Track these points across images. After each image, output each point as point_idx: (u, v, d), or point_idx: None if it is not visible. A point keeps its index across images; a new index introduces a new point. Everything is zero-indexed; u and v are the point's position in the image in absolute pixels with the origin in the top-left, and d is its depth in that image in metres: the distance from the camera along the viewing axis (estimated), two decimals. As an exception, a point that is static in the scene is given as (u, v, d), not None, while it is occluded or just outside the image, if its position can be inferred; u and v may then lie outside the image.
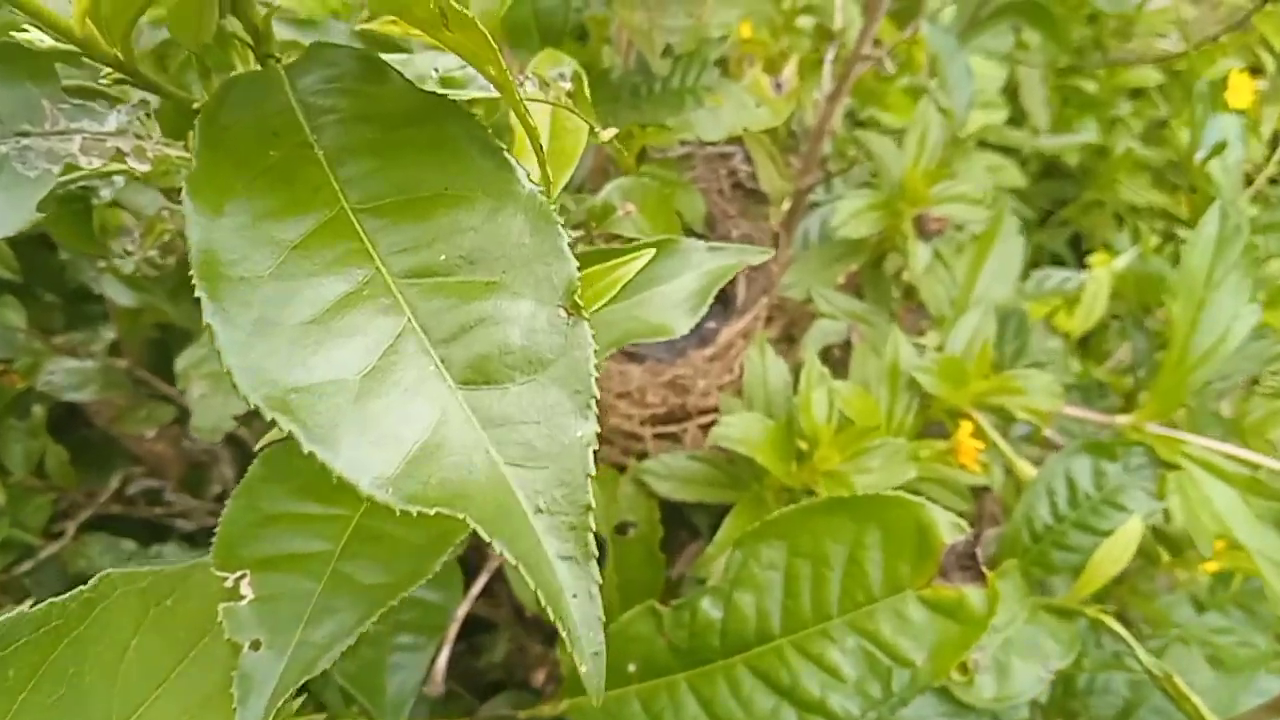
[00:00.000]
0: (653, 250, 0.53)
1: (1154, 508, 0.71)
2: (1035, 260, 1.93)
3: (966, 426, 0.75)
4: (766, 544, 0.58)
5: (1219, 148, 0.89)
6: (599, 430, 0.27)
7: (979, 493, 0.87)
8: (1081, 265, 1.91)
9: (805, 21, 1.06)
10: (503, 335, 0.27)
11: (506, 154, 0.30)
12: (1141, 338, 0.95)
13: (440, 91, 0.33)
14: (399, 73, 0.33)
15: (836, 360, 0.95)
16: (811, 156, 0.95)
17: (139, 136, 0.46)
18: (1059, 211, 1.94)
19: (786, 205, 1.01)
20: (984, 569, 0.52)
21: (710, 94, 0.83)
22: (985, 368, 0.81)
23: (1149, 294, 1.78)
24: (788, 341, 0.96)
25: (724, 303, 1.03)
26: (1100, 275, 1.41)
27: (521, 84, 0.45)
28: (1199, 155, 0.88)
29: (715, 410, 0.89)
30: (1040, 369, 0.93)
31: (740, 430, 0.71)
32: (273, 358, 0.27)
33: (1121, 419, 0.87)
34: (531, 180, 0.29)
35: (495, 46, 0.28)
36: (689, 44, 0.79)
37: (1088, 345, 1.41)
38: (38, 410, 0.97)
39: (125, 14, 0.33)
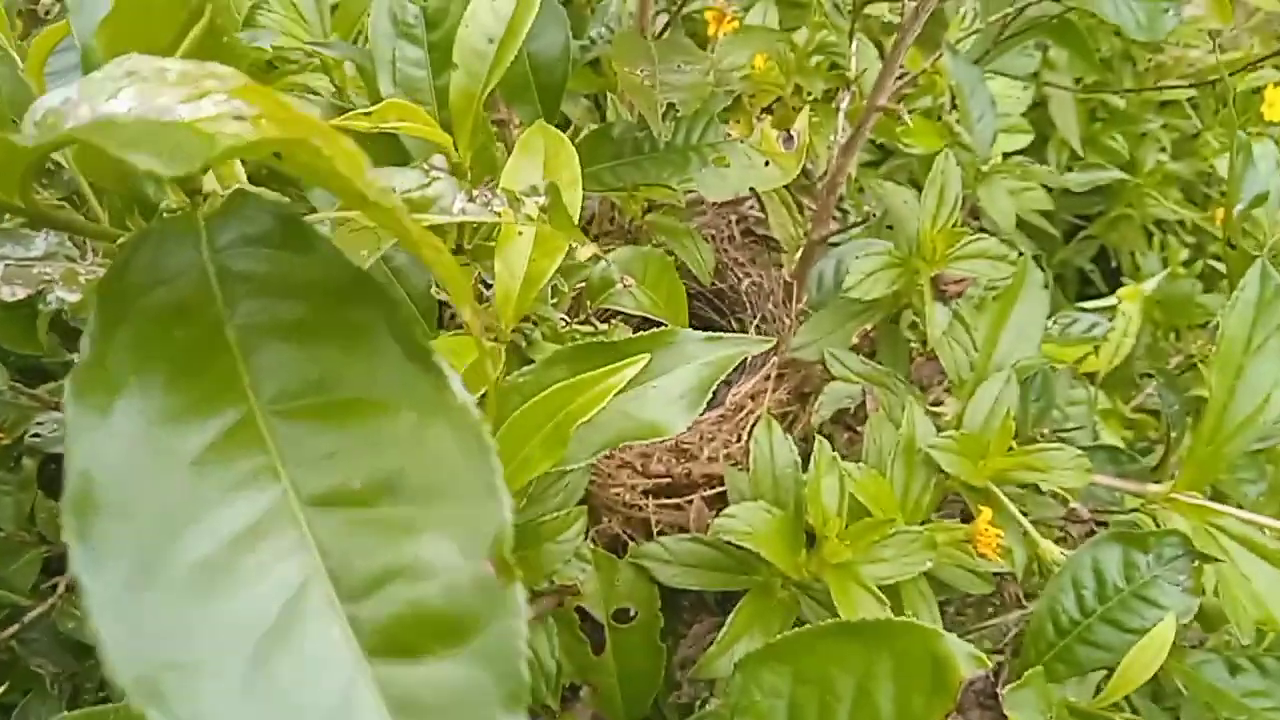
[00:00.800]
0: (646, 356, 0.48)
1: (1189, 604, 0.66)
2: (1060, 275, 1.87)
3: (985, 514, 0.71)
4: (769, 668, 0.53)
5: (1259, 200, 0.83)
6: None
7: (999, 574, 0.82)
8: (1109, 283, 1.86)
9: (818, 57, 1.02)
10: (422, 592, 0.23)
11: (436, 357, 0.25)
12: (1173, 397, 0.90)
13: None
14: (325, 239, 0.29)
15: (851, 418, 0.90)
16: (824, 208, 0.90)
17: (70, 259, 0.42)
18: (1086, 226, 1.88)
19: (799, 254, 0.96)
20: (1005, 713, 0.48)
21: (716, 152, 0.79)
22: (1007, 441, 0.76)
23: (1178, 316, 1.73)
24: (800, 401, 0.92)
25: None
26: (1129, 309, 1.36)
27: (488, 202, 0.40)
28: (1237, 209, 0.83)
29: (722, 479, 0.84)
30: (1066, 439, 0.88)
31: (745, 522, 0.66)
32: (151, 619, 0.22)
33: (1154, 488, 0.82)
34: (464, 392, 0.25)
35: (411, 227, 0.24)
36: (693, 103, 0.74)
37: (1114, 376, 1.36)
38: (28, 463, 0.95)
39: (13, 169, 0.29)
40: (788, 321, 0.93)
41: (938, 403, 0.86)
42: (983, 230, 1.44)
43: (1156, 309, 1.59)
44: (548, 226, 0.59)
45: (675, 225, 0.90)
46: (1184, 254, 1.77)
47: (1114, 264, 1.85)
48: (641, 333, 0.58)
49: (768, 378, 0.89)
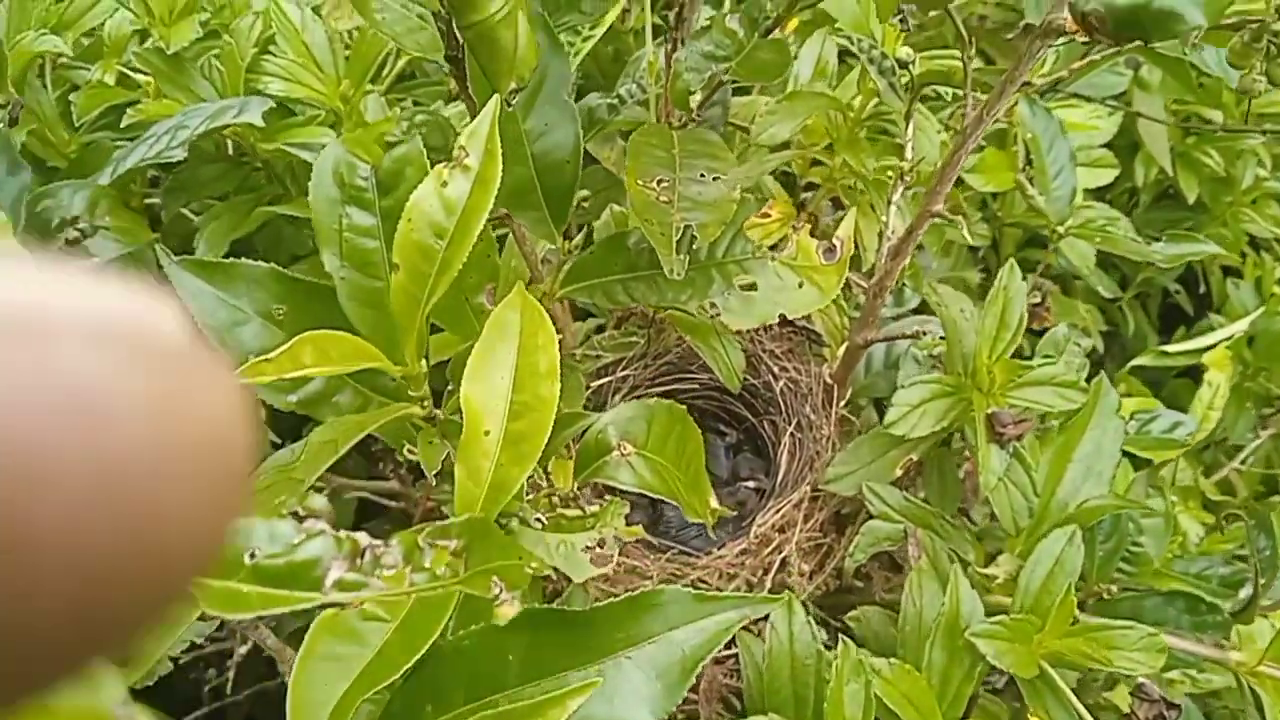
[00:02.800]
0: (599, 681, 0.40)
1: None
2: (1143, 293, 1.72)
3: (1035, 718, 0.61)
4: None
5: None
6: None
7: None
8: (1195, 305, 1.71)
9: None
10: None
11: None
12: (1262, 537, 0.79)
13: None
14: None
15: (895, 551, 0.81)
16: (870, 311, 0.80)
17: None
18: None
19: (841, 351, 0.86)
20: None
21: (741, 271, 0.69)
22: (1066, 620, 0.66)
23: (1272, 358, 1.58)
24: (837, 529, 0.82)
25: (764, 471, 0.89)
26: (1216, 379, 1.23)
27: (377, 564, 0.32)
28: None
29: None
30: (1135, 588, 0.77)
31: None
32: None
33: (1236, 657, 0.72)
34: None
35: None
36: (711, 228, 0.64)
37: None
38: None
39: None
40: (826, 431, 0.84)
41: (993, 556, 0.76)
42: (1052, 278, 1.33)
43: (1246, 349, 1.45)
44: (523, 424, 0.51)
45: (699, 322, 0.80)
46: (1280, 273, 1.62)
47: (1202, 288, 1.70)
48: (616, 597, 0.49)
49: (799, 504, 0.79)
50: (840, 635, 0.64)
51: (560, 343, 0.89)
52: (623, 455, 0.60)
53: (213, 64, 0.90)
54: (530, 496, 0.60)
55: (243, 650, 0.79)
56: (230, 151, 0.90)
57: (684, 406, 0.64)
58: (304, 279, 0.52)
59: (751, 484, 0.90)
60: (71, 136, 0.88)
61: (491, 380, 0.50)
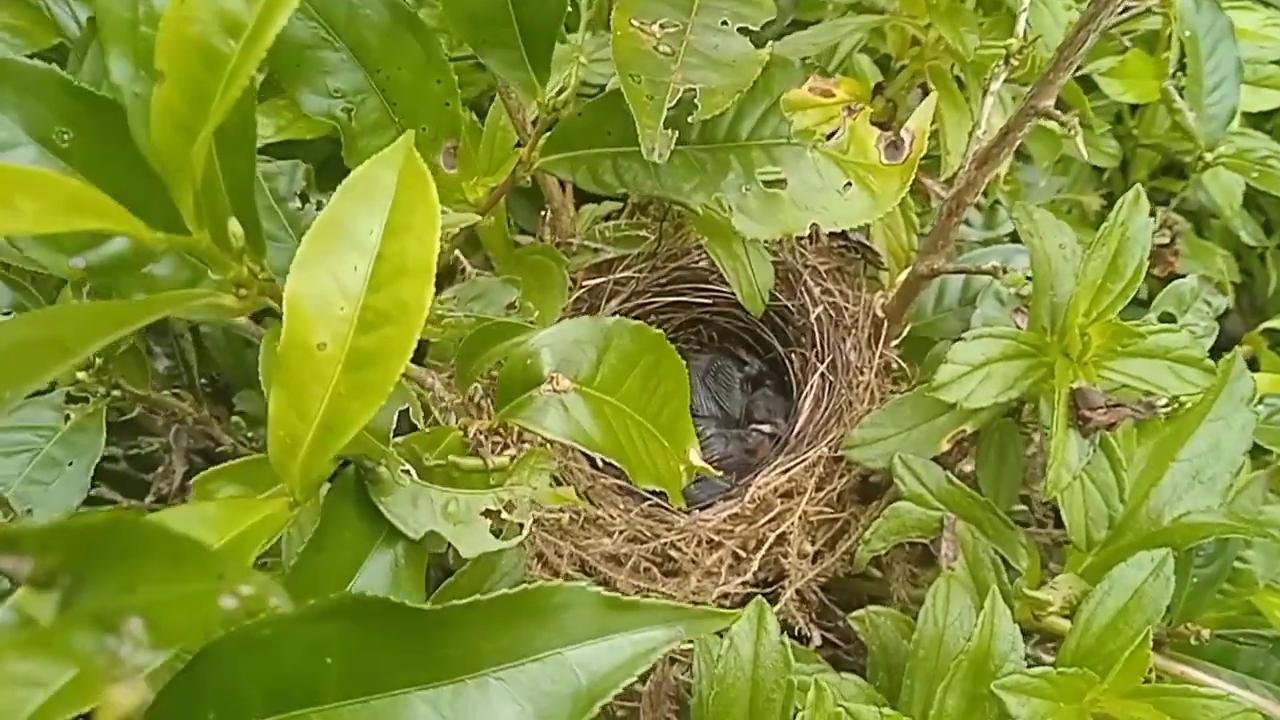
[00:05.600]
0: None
1: None
2: (1248, 286, 1.46)
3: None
4: None
5: None
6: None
7: None
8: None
9: None
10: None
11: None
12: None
13: None
14: None
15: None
16: (941, 233, 0.62)
17: None
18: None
19: (901, 278, 0.68)
20: None
21: (769, 159, 0.52)
22: (1136, 676, 0.50)
23: None
24: (860, 500, 0.66)
25: (783, 414, 0.73)
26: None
27: None
28: None
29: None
30: (1234, 637, 0.60)
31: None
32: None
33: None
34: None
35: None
36: (720, 96, 0.46)
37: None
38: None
39: None
40: (866, 376, 0.66)
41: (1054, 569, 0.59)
42: (1184, 215, 1.10)
43: None
44: (376, 339, 0.35)
45: (722, 220, 0.63)
46: None
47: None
48: (493, 594, 0.33)
49: (813, 465, 0.63)
50: (815, 683, 0.49)
51: (553, 224, 0.72)
52: (555, 391, 0.44)
53: None
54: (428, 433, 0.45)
55: None
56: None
57: (659, 331, 0.47)
58: (100, 94, 0.37)
59: (767, 428, 0.73)
60: None
61: (334, 271, 0.34)
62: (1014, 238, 0.84)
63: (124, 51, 0.34)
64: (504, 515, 0.43)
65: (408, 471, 0.39)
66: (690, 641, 0.57)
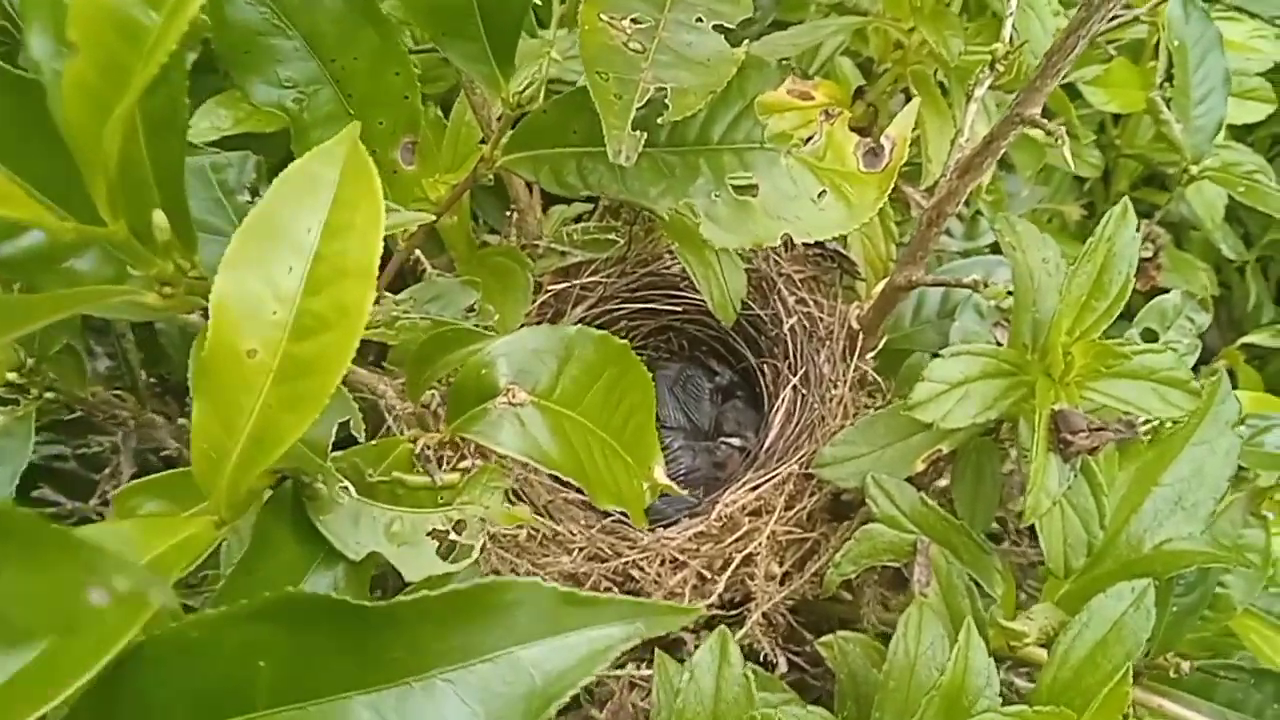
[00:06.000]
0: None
1: None
2: (1266, 256, 1.45)
3: None
4: None
5: None
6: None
7: None
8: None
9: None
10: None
11: None
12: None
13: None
14: None
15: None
16: (920, 244, 0.60)
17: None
18: None
19: (879, 289, 0.66)
20: None
21: (741, 165, 0.49)
22: (1116, 711, 0.48)
23: None
24: (831, 519, 0.63)
25: (753, 428, 0.71)
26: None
27: None
28: None
29: (673, 634, 0.58)
30: (1213, 669, 0.58)
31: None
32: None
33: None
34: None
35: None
36: (692, 97, 0.44)
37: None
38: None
39: None
40: (839, 391, 0.64)
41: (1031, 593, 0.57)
42: (1167, 226, 1.09)
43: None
44: (313, 346, 0.33)
45: (693, 229, 0.60)
46: None
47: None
48: (441, 590, 0.30)
49: (783, 482, 0.60)
50: (799, 668, 0.46)
51: (520, 225, 0.70)
52: (511, 404, 0.41)
53: None
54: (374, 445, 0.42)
55: None
56: None
57: (625, 342, 0.44)
58: (17, 71, 0.34)
59: (736, 441, 0.71)
60: None
61: (267, 272, 0.32)
62: (995, 249, 0.82)
63: (45, 25, 0.31)
64: (453, 536, 0.40)
65: (346, 488, 0.37)
66: (650, 666, 0.54)
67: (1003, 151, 0.52)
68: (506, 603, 0.31)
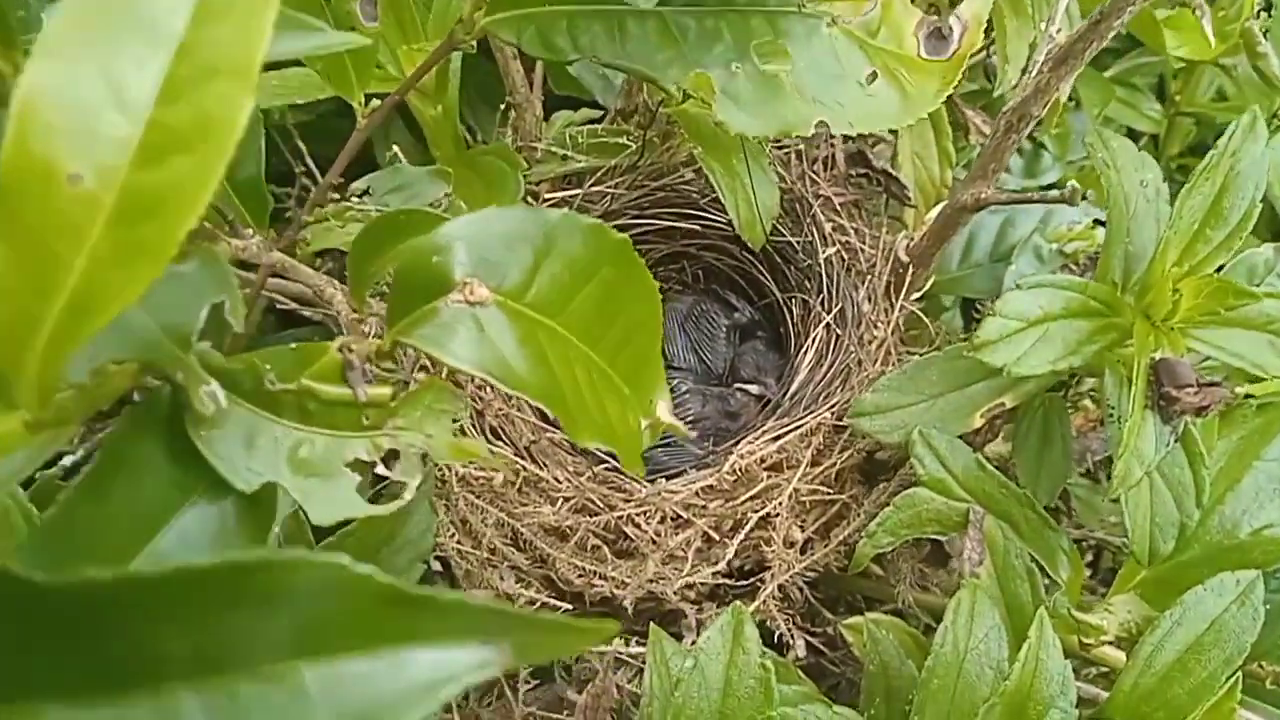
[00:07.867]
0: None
1: None
2: None
3: None
4: None
5: None
6: None
7: None
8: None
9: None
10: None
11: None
12: None
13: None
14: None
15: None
16: (994, 155, 0.50)
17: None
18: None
19: (933, 215, 0.56)
20: None
21: (772, 31, 0.39)
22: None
23: None
24: (863, 482, 0.54)
25: (776, 373, 0.61)
26: None
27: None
28: None
29: (670, 604, 0.49)
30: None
31: None
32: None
33: None
34: None
35: None
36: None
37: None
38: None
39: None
40: (881, 332, 0.54)
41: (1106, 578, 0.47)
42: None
43: None
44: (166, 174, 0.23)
45: (718, 131, 0.50)
46: None
47: None
48: (165, 567, 0.20)
49: (810, 433, 0.51)
50: (815, 649, 0.37)
51: (516, 124, 0.60)
52: (468, 302, 0.32)
53: None
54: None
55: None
56: None
57: (625, 236, 0.35)
58: None
59: (754, 389, 0.61)
60: None
61: (107, 63, 0.22)
62: (1055, 189, 0.73)
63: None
64: (380, 470, 0.31)
65: (214, 393, 0.27)
66: (642, 643, 0.45)
67: (1113, 34, 0.41)
68: (290, 590, 0.19)
